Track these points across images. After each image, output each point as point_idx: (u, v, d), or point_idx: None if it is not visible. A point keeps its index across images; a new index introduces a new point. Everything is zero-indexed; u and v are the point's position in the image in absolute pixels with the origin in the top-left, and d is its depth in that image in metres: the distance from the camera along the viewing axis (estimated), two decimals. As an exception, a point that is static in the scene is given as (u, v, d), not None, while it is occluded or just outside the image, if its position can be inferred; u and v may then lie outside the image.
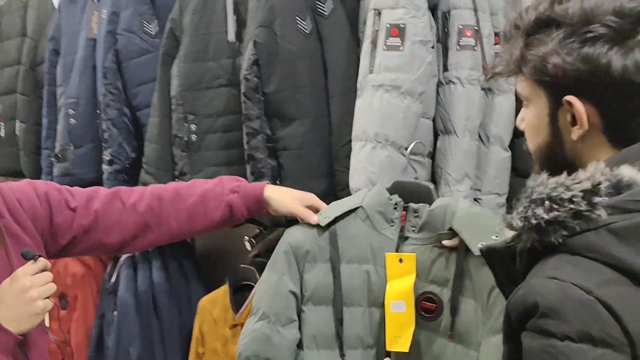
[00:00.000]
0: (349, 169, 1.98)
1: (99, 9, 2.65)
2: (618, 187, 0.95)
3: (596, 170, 0.95)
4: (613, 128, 1.02)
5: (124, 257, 2.74)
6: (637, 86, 0.98)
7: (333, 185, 2.14)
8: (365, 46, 1.94)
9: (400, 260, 1.61)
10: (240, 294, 2.46)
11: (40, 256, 1.49)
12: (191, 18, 2.36)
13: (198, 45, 2.35)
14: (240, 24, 2.26)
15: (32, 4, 3.15)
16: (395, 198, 1.66)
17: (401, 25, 1.84)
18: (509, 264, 1.05)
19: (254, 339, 1.67)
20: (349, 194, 1.90)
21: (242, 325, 2.38)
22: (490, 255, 1.08)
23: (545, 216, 0.93)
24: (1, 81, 3.23)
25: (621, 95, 1.00)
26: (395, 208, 1.65)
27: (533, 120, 1.09)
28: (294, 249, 1.68)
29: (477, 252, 1.45)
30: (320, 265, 1.67)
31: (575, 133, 1.03)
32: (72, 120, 2.72)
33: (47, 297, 1.47)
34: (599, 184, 0.94)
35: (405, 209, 1.65)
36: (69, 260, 2.80)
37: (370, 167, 1.90)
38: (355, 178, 1.94)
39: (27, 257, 1.49)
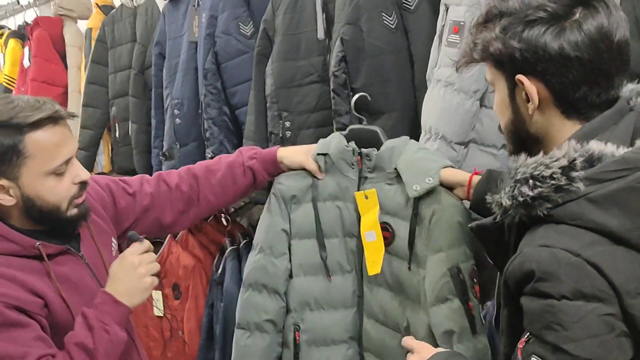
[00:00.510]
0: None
1: (199, 14, 2.77)
2: (590, 161, 1.07)
3: (570, 147, 1.07)
4: (562, 100, 1.13)
5: (229, 249, 2.86)
6: (572, 60, 1.09)
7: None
8: (435, 40, 1.96)
9: (366, 197, 1.88)
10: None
11: (145, 238, 1.66)
12: (283, 18, 2.43)
13: (290, 44, 2.42)
14: (329, 22, 2.31)
15: (140, 11, 3.33)
16: (352, 145, 1.92)
17: (461, 23, 1.83)
18: (497, 238, 1.19)
19: (254, 268, 2.00)
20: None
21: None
22: (481, 230, 1.22)
23: (531, 193, 1.06)
24: (115, 85, 3.43)
25: (561, 70, 1.10)
26: (353, 154, 1.92)
27: (498, 101, 1.21)
28: (282, 194, 1.98)
29: (411, 194, 1.74)
30: (304, 206, 1.97)
31: (530, 108, 1.15)
32: (177, 120, 2.86)
33: (153, 275, 1.62)
34: (574, 160, 1.05)
35: (360, 154, 1.91)
36: (181, 253, 2.96)
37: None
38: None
39: (133, 239, 1.66)
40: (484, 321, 1.78)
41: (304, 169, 1.97)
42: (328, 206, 1.96)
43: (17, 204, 1.57)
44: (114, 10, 3.54)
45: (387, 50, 2.13)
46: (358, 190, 1.90)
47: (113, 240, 1.81)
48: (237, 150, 2.06)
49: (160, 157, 2.99)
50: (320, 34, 2.33)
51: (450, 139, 1.89)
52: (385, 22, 2.15)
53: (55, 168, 1.54)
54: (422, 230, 1.77)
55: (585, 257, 1.01)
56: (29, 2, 4.61)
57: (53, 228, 1.62)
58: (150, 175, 2.01)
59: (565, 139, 1.12)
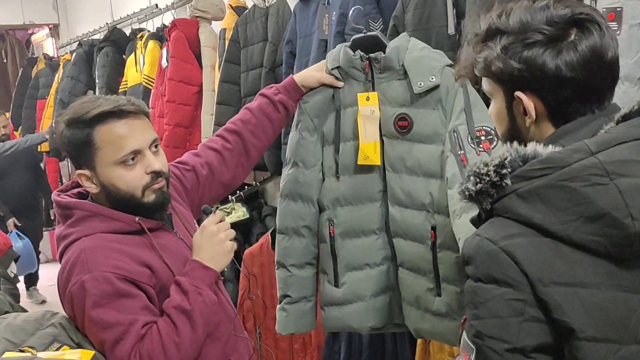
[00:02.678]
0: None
1: (329, 12, 2.82)
2: (525, 160, 1.16)
3: (507, 148, 1.18)
4: (555, 114, 1.23)
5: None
6: (568, 79, 1.19)
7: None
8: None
9: (367, 98, 2.15)
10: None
11: (217, 208, 1.76)
12: (413, 14, 2.44)
13: (420, 39, 2.40)
14: (460, 17, 2.30)
15: (272, 11, 3.41)
16: (359, 52, 2.15)
17: (618, 9, 1.76)
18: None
19: (289, 181, 2.29)
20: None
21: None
22: (474, 224, 1.29)
23: (474, 188, 1.17)
24: (247, 83, 3.54)
25: (557, 88, 1.20)
26: (361, 60, 2.15)
27: (495, 111, 1.31)
28: (308, 110, 2.24)
29: (416, 90, 2.06)
30: (330, 115, 2.24)
31: (527, 122, 1.26)
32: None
33: (231, 240, 1.80)
34: (506, 158, 1.16)
35: (368, 59, 2.14)
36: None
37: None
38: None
39: (207, 212, 1.83)
40: None
41: (323, 85, 2.21)
42: (348, 113, 2.21)
43: (101, 192, 1.75)
44: (246, 10, 3.64)
45: (518, 44, 2.09)
46: (373, 90, 2.16)
47: (194, 222, 2.00)
48: (258, 94, 2.26)
49: (290, 153, 3.05)
50: (451, 29, 2.32)
51: None
52: (518, 15, 2.11)
53: (121, 158, 1.70)
54: (439, 112, 2.07)
55: (501, 246, 1.12)
56: (166, 6, 4.84)
57: (144, 211, 1.77)
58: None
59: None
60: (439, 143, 2.09)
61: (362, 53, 2.15)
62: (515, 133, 1.29)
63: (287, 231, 2.30)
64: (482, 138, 2.00)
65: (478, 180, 1.17)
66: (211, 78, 4.04)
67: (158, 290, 1.73)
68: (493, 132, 2.00)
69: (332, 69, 2.19)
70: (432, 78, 2.05)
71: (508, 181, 1.15)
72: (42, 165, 6.88)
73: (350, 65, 2.17)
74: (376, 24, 2.67)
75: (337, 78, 2.20)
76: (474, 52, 1.27)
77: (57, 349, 1.62)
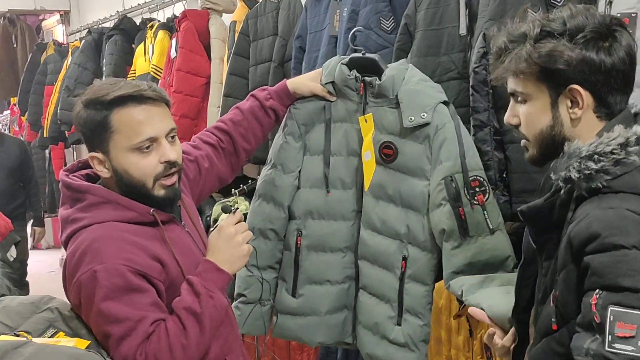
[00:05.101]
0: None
1: (340, 8, 2.80)
2: (638, 141, 1.29)
3: (620, 131, 1.31)
4: (601, 105, 1.37)
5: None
6: (619, 72, 1.35)
7: (562, 180, 2.09)
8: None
9: (366, 121, 2.14)
10: (465, 285, 2.49)
11: (237, 208, 1.80)
12: (425, 13, 2.42)
13: (431, 39, 2.40)
14: (472, 18, 2.28)
15: (283, 6, 3.39)
16: (354, 73, 2.16)
17: (632, 14, 1.75)
18: (546, 216, 1.38)
19: (265, 181, 2.31)
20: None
21: (465, 316, 2.41)
22: (531, 211, 1.40)
23: (595, 166, 1.27)
24: (255, 77, 3.52)
25: (609, 80, 1.35)
26: (356, 81, 2.15)
27: (534, 111, 1.42)
28: (297, 117, 2.25)
29: (405, 124, 2.06)
30: (318, 126, 2.25)
31: (577, 114, 1.37)
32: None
33: (248, 242, 1.78)
34: (628, 137, 1.29)
35: (363, 81, 2.15)
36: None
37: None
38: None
39: (226, 211, 1.83)
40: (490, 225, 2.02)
41: (315, 95, 2.22)
42: (337, 127, 2.23)
43: (112, 177, 1.71)
44: (257, 4, 3.63)
45: (531, 48, 2.07)
46: (363, 113, 2.15)
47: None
48: (249, 95, 2.25)
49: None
50: (463, 30, 2.30)
51: None
52: (531, 18, 2.09)
53: (137, 144, 1.67)
54: (426, 147, 2.06)
55: None
56: (178, -4, 4.83)
57: (153, 203, 1.73)
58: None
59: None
60: (422, 178, 2.09)
61: (357, 74, 2.15)
62: (556, 128, 1.40)
63: (254, 231, 2.28)
64: (477, 189, 2.01)
65: (602, 158, 1.27)
66: (219, 70, 4.02)
67: (167, 286, 1.70)
68: (485, 182, 2.02)
69: (325, 83, 2.20)
70: (424, 115, 2.03)
71: (635, 158, 1.27)
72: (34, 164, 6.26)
73: (344, 84, 2.18)
74: (387, 22, 2.65)
75: (329, 92, 2.21)
76: (528, 50, 1.37)
77: (52, 335, 1.61)
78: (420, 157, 2.08)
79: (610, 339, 1.19)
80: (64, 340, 1.58)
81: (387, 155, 2.14)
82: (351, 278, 2.29)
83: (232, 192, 3.28)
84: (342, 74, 2.17)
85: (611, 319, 1.19)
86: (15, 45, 8.44)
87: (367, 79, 2.14)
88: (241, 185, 3.30)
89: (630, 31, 1.41)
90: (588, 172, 1.27)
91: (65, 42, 7.50)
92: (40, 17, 8.92)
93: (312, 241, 2.29)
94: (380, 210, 2.17)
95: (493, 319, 1.77)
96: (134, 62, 4.98)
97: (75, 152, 7.59)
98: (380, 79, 2.12)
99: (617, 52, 1.34)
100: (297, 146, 2.28)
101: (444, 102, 2.08)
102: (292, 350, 3.39)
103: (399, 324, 2.15)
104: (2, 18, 8.24)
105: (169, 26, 4.65)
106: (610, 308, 1.19)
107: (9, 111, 8.37)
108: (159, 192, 1.72)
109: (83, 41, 5.93)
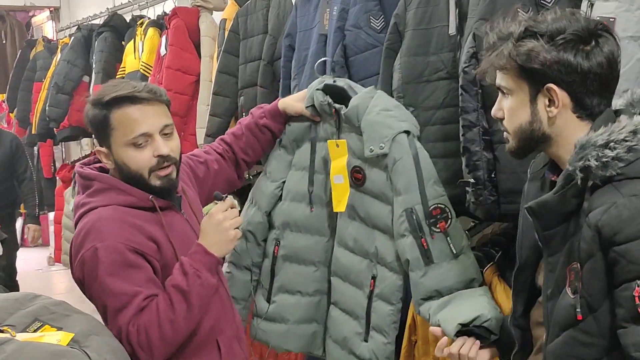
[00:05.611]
0: (566, 164, 1.93)
1: (330, 6, 2.79)
2: None
3: (626, 120, 1.38)
4: (579, 106, 1.43)
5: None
6: (596, 75, 1.40)
7: (549, 181, 2.09)
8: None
9: (337, 145, 2.20)
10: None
11: (227, 196, 1.94)
12: (415, 12, 2.41)
13: (420, 39, 2.39)
14: (462, 18, 2.27)
15: (274, 4, 3.38)
16: (327, 99, 2.21)
17: (611, 19, 1.75)
18: (557, 209, 1.41)
19: (255, 186, 2.43)
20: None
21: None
22: (540, 207, 1.43)
23: (612, 154, 1.32)
24: (245, 75, 3.51)
25: (586, 82, 1.41)
26: (329, 107, 2.20)
27: (514, 105, 1.49)
28: (288, 132, 2.35)
29: (366, 154, 2.10)
30: (305, 144, 2.33)
31: (553, 112, 1.44)
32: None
33: (236, 228, 1.91)
34: (637, 125, 1.35)
35: (334, 108, 2.19)
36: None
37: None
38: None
39: (217, 198, 1.96)
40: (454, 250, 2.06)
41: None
42: (320, 146, 2.30)
43: (115, 169, 1.91)
44: (248, 2, 3.61)
45: (521, 48, 2.07)
46: (339, 137, 2.21)
47: (200, 206, 2.12)
48: (250, 112, 2.40)
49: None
50: (452, 30, 2.29)
51: None
52: (520, 18, 2.09)
53: (132, 140, 1.85)
54: (388, 176, 2.09)
55: None
56: (168, -7, 4.81)
57: (151, 192, 1.91)
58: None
59: (579, 135, 1.40)
60: (387, 202, 2.13)
61: (330, 100, 2.21)
62: (535, 124, 1.46)
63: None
64: (438, 217, 2.03)
65: (617, 145, 1.32)
66: (209, 68, 4.01)
67: (162, 265, 1.87)
68: (447, 208, 2.04)
69: (307, 106, 2.27)
70: (382, 146, 2.08)
71: None
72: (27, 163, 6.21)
73: (321, 109, 2.25)
74: (377, 21, 2.65)
75: (312, 114, 2.29)
76: (511, 48, 1.43)
77: (38, 329, 1.60)
78: (384, 184, 2.13)
79: None
80: (47, 335, 1.57)
81: (357, 179, 2.21)
82: (322, 292, 2.37)
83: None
84: (318, 99, 2.24)
85: None
86: (4, 42, 8.42)
87: (337, 106, 2.20)
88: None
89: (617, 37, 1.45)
90: (605, 159, 1.31)
91: (54, 39, 7.46)
92: (30, 14, 8.87)
93: (288, 252, 2.37)
94: (353, 230, 2.24)
95: (444, 332, 1.88)
96: (124, 59, 4.97)
97: (64, 149, 7.55)
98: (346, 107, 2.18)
99: (595, 57, 1.39)
100: (287, 159, 2.37)
101: (406, 131, 2.09)
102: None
103: (365, 340, 2.20)
104: (-8, 14, 8.20)
105: (159, 23, 4.63)
106: None
107: (-3, 108, 8.33)
108: (155, 182, 1.89)
109: (72, 38, 5.91)
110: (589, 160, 1.34)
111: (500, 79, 1.50)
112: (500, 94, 1.54)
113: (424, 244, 2.02)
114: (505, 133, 1.55)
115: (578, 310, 1.37)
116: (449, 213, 2.04)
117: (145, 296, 1.80)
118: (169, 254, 1.89)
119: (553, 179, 1.50)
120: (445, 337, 1.85)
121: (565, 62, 1.39)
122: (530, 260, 1.60)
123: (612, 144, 1.32)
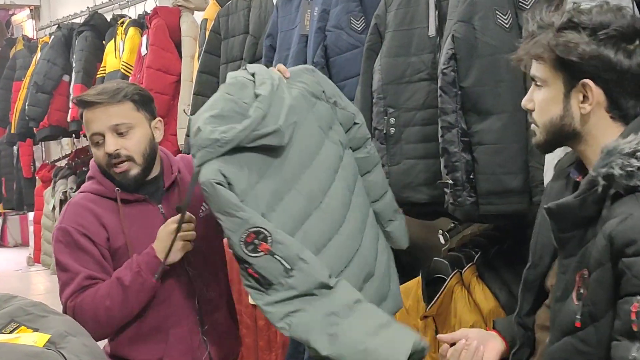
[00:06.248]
0: (544, 165, 1.94)
1: (312, 7, 2.79)
2: None
3: None
4: (614, 106, 1.39)
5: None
6: (633, 75, 1.35)
7: (528, 182, 2.10)
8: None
9: None
10: (432, 286, 2.47)
11: (185, 210, 1.95)
12: (395, 14, 2.42)
13: (401, 40, 2.40)
14: (442, 19, 2.29)
15: (255, 4, 3.39)
16: None
17: None
18: (577, 213, 1.37)
19: None
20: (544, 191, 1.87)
21: (432, 317, 2.42)
22: (560, 208, 1.39)
23: (637, 164, 1.27)
24: (226, 75, 3.49)
25: (623, 82, 1.36)
26: None
27: (547, 98, 1.43)
28: None
29: None
30: None
31: (586, 108, 1.39)
32: (284, 112, 2.89)
33: (188, 241, 1.96)
34: None
35: None
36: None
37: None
38: (550, 175, 1.89)
39: (178, 211, 1.96)
40: None
41: None
42: None
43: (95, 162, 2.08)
44: (229, 2, 3.61)
45: (500, 50, 2.08)
46: None
47: (203, 204, 2.06)
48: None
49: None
50: (432, 31, 2.30)
51: None
52: (499, 20, 2.11)
53: (90, 138, 2.00)
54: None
55: None
56: (149, -7, 4.79)
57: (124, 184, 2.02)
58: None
59: (609, 136, 1.36)
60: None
61: None
62: (566, 119, 1.41)
63: None
64: (256, 241, 1.74)
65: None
66: (190, 68, 4.01)
67: (112, 253, 2.01)
68: (261, 228, 1.73)
69: None
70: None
71: None
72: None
73: None
74: (358, 22, 2.66)
75: None
76: (551, 37, 1.38)
77: (14, 330, 1.58)
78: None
79: None
80: (24, 336, 1.55)
81: None
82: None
83: None
84: None
85: None
86: (-16, 40, 8.31)
87: None
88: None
89: None
90: (630, 169, 1.27)
91: (34, 38, 7.40)
92: (10, 12, 8.80)
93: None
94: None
95: None
96: (104, 58, 4.93)
97: (44, 149, 7.49)
98: None
99: (637, 57, 1.35)
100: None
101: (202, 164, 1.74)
102: (260, 350, 3.38)
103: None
104: (-29, 12, 8.13)
105: (140, 23, 4.62)
106: None
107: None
108: (117, 177, 2.01)
109: (52, 37, 5.86)
110: (612, 168, 1.29)
111: (536, 69, 1.45)
112: (532, 85, 1.48)
113: (254, 273, 1.76)
114: (533, 125, 1.50)
115: (577, 317, 1.35)
116: (265, 232, 1.75)
117: (87, 276, 1.95)
118: (119, 243, 2.01)
119: (578, 179, 1.47)
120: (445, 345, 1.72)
121: (604, 58, 1.34)
122: (544, 261, 1.57)
123: (639, 153, 1.27)
